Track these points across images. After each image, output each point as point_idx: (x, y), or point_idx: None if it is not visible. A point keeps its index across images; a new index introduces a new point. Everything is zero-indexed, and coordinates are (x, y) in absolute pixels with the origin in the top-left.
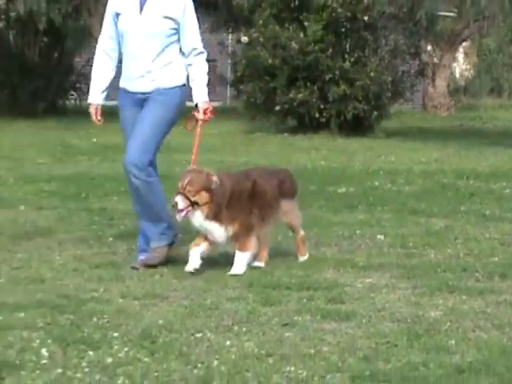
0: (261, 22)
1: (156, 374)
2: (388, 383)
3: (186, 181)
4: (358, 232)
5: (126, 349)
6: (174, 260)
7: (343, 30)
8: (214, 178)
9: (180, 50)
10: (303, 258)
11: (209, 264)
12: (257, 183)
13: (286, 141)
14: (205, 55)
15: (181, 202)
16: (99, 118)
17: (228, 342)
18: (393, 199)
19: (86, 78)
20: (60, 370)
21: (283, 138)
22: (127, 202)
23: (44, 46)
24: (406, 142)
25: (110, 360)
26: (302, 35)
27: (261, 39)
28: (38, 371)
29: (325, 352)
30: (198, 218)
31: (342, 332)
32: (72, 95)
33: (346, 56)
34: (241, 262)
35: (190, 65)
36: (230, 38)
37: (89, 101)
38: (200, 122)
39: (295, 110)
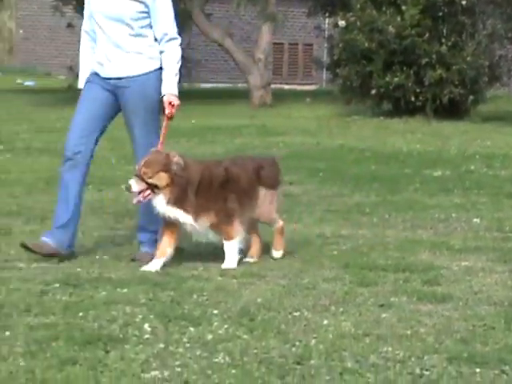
0: (358, 6)
1: (255, 350)
2: (486, 365)
3: (143, 162)
4: (453, 215)
5: (226, 326)
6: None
7: (440, 14)
8: (176, 159)
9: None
10: (277, 253)
11: (305, 245)
12: (229, 170)
13: (381, 124)
14: (177, 41)
15: (134, 184)
16: None
17: (325, 322)
18: (489, 183)
19: (186, 60)
20: (162, 345)
21: (379, 122)
22: None
23: None
24: (502, 126)
25: (210, 336)
26: (399, 19)
27: (358, 23)
28: (140, 345)
29: (421, 333)
30: (161, 204)
31: (438, 314)
32: None
33: (443, 40)
34: (231, 252)
35: (161, 52)
36: (326, 22)
37: (78, 86)
38: (165, 117)
39: (391, 93)
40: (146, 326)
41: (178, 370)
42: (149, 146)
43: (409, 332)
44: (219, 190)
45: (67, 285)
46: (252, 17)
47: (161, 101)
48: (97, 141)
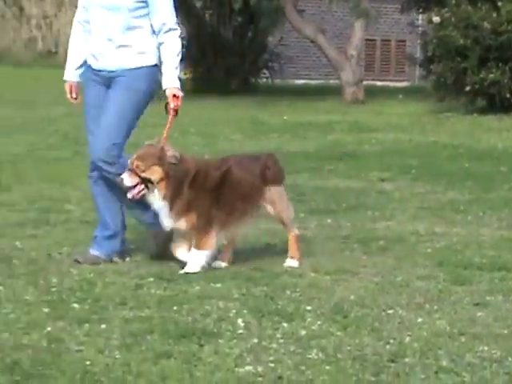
0: (453, 1)
1: (348, 347)
2: None
3: (136, 155)
4: None
5: (319, 322)
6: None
7: None
8: (170, 152)
9: (151, 26)
10: (293, 262)
11: (398, 242)
12: (231, 172)
13: (475, 121)
14: (176, 32)
15: (127, 178)
16: (74, 95)
17: (420, 320)
18: None
19: (279, 57)
20: (255, 340)
21: (472, 119)
22: (317, 179)
23: (238, 26)
24: None
25: (303, 332)
26: (494, 15)
27: (452, 19)
28: (234, 340)
29: None
30: (156, 200)
31: None
32: (264, 73)
33: None
34: (195, 261)
35: (160, 44)
36: (420, 18)
37: (64, 78)
38: (171, 111)
39: (486, 90)
40: (240, 320)
41: (272, 365)
42: (111, 135)
43: (505, 331)
44: (212, 192)
45: (161, 279)
46: (344, 13)
47: (141, 107)
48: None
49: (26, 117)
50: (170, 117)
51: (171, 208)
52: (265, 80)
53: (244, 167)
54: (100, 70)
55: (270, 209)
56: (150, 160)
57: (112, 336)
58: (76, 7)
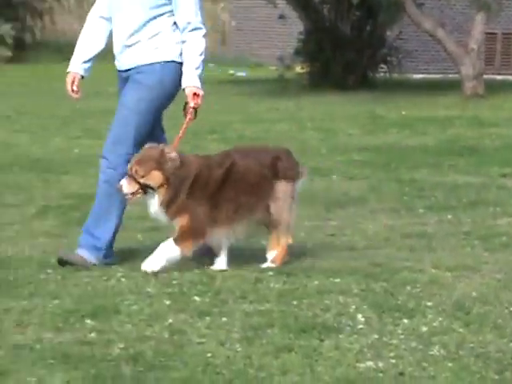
0: None
1: (471, 344)
2: None
3: (134, 160)
4: None
5: (440, 318)
6: None
7: None
8: (171, 155)
9: (174, 24)
10: (269, 264)
11: None
12: (235, 166)
13: None
14: (201, 32)
15: (126, 185)
16: (75, 89)
17: None
18: None
19: (397, 51)
20: (376, 336)
21: None
22: (437, 175)
23: (356, 20)
24: None
25: (424, 329)
26: None
27: None
28: (355, 335)
29: None
30: (154, 205)
31: None
32: (382, 68)
33: None
34: (161, 255)
35: (183, 42)
36: None
37: (68, 69)
38: (190, 109)
39: None
40: (360, 316)
41: (393, 361)
42: (118, 134)
43: None
44: (210, 193)
45: (280, 273)
46: (463, 6)
47: (157, 105)
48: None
49: None
50: (188, 117)
51: (167, 211)
52: (382, 74)
53: (251, 159)
54: (120, 71)
55: (269, 206)
56: (149, 164)
57: (233, 329)
58: None
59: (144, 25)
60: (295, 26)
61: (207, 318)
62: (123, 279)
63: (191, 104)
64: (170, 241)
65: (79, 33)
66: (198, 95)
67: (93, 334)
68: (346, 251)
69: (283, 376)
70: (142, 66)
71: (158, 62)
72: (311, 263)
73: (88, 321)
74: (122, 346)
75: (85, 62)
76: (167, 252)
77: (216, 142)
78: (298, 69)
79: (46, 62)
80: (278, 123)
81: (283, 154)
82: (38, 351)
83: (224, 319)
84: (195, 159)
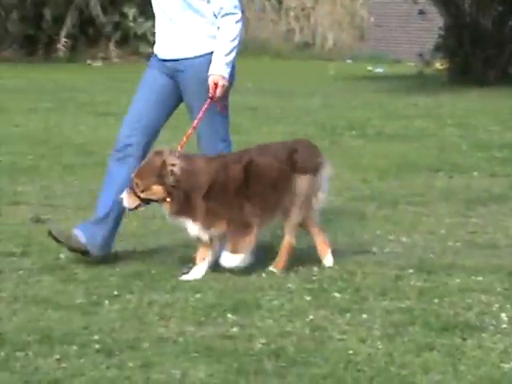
0: None
1: None
2: None
3: (136, 171)
4: None
5: None
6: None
7: None
8: (174, 169)
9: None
10: (273, 268)
11: None
12: (250, 167)
13: None
14: (234, 17)
15: (126, 199)
16: None
17: None
18: None
19: None
20: None
21: None
22: None
23: (497, 15)
24: None
25: None
26: None
27: None
28: (498, 335)
29: None
30: (193, 230)
31: None
32: None
33: None
34: (228, 264)
35: (218, 28)
36: None
37: None
38: (208, 100)
39: None
40: (503, 315)
41: None
42: (212, 134)
43: None
44: (236, 192)
45: (421, 271)
46: None
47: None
48: (156, 132)
49: (284, 107)
50: (203, 109)
51: (192, 221)
52: None
53: (269, 154)
54: (165, 60)
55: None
56: (148, 179)
57: (373, 326)
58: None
59: (192, 10)
60: (434, 22)
61: (347, 315)
62: (264, 274)
63: (208, 93)
64: (226, 254)
65: None
66: (219, 86)
67: (235, 329)
68: (488, 249)
69: (425, 374)
70: (195, 57)
71: (208, 54)
72: (452, 261)
73: (229, 315)
74: (263, 341)
75: None
76: (230, 263)
77: (355, 138)
78: (438, 65)
79: None
80: (416, 120)
81: (301, 145)
82: (182, 344)
83: (364, 316)
84: (206, 164)
